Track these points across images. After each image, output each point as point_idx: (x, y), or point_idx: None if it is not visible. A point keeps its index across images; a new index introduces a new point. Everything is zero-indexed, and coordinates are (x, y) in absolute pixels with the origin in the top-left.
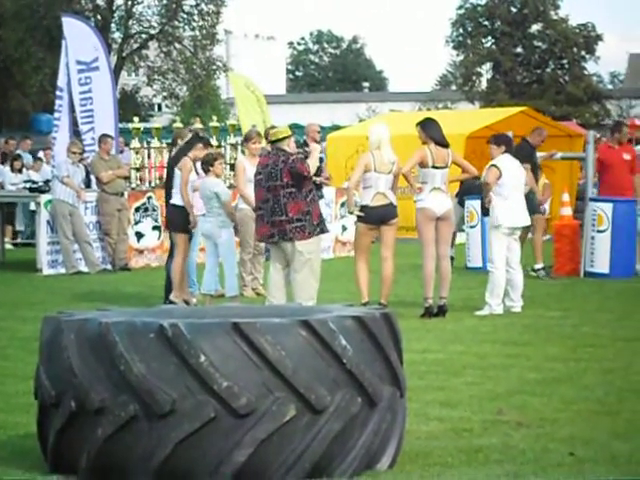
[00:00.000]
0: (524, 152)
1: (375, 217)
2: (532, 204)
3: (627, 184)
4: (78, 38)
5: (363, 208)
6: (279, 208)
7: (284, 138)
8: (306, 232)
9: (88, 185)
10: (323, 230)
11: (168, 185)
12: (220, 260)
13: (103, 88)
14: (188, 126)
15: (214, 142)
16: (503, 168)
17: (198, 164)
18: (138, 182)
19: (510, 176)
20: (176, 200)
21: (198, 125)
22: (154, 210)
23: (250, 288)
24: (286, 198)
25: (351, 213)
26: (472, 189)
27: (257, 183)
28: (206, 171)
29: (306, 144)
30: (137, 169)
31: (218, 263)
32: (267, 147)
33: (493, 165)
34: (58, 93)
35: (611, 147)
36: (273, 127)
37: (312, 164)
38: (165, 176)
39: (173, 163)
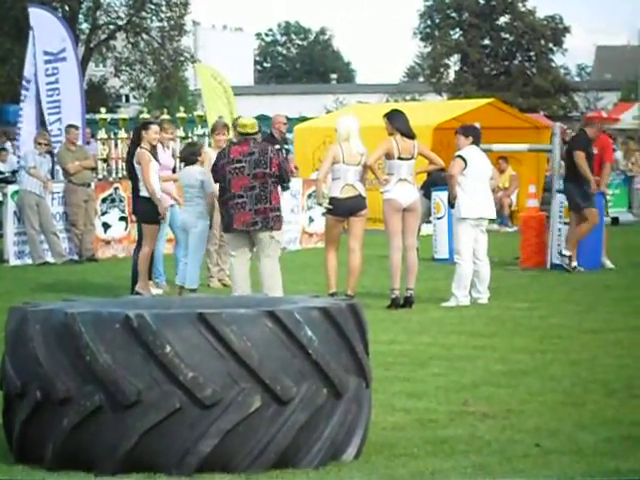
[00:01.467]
0: (581, 141)
1: (344, 209)
2: (586, 196)
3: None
4: (45, 29)
5: (332, 200)
6: (264, 196)
7: (256, 133)
8: (281, 222)
9: (54, 176)
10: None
11: (133, 177)
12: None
13: (70, 79)
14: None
15: (180, 133)
16: (469, 159)
17: (159, 151)
18: (105, 173)
19: (475, 167)
20: (143, 192)
21: (165, 116)
22: (121, 201)
23: (216, 279)
24: (272, 186)
25: (320, 205)
26: (438, 181)
27: (234, 171)
28: (192, 162)
29: (272, 136)
30: (104, 160)
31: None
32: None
33: (459, 156)
34: (24, 84)
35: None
36: (240, 118)
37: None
38: (127, 168)
39: (131, 157)
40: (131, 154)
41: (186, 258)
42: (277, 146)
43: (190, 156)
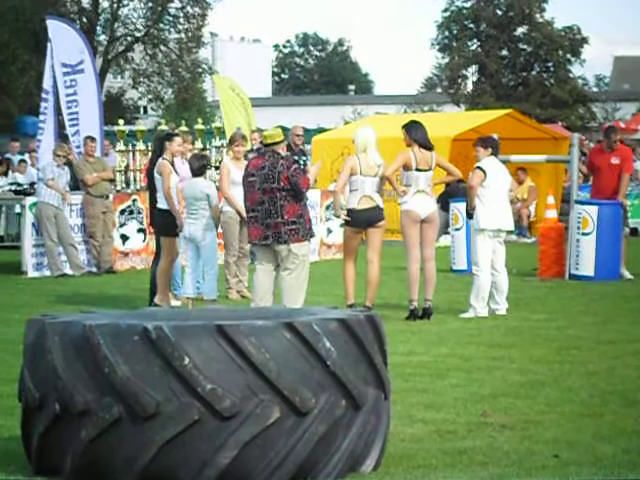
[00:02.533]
0: None
1: (361, 220)
2: None
3: (614, 188)
4: (63, 41)
5: (349, 211)
6: (275, 210)
7: (280, 142)
8: (300, 235)
9: (76, 188)
10: (312, 235)
11: (151, 189)
12: (201, 263)
13: (88, 91)
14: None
15: (199, 145)
16: (488, 171)
17: (177, 163)
18: (123, 185)
19: (495, 179)
20: (162, 204)
21: (183, 128)
22: (139, 213)
23: (235, 291)
24: (282, 200)
25: (338, 216)
26: (456, 192)
27: (249, 185)
28: (201, 174)
29: (290, 147)
30: (123, 171)
31: (200, 266)
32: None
33: (478, 167)
34: (43, 95)
35: (602, 150)
36: (259, 130)
37: (311, 178)
38: (147, 180)
39: (152, 167)
40: (152, 165)
41: (192, 269)
42: (295, 157)
43: (201, 168)
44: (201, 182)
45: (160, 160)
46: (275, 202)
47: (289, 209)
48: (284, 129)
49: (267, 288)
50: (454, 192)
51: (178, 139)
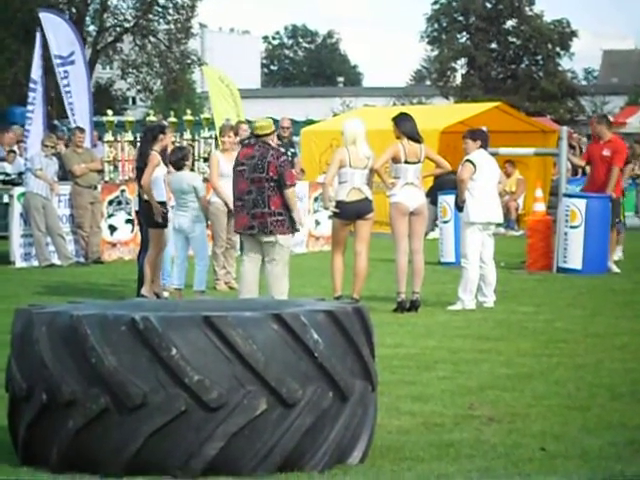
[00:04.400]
0: None
1: (351, 212)
2: None
3: (603, 180)
4: (56, 32)
5: (339, 203)
6: (262, 200)
7: (270, 133)
8: (285, 227)
9: (65, 178)
10: (297, 229)
11: (139, 180)
12: (191, 254)
13: (79, 81)
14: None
15: (188, 136)
16: (478, 163)
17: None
18: (111, 175)
19: (484, 172)
20: None
21: (172, 119)
22: (127, 203)
23: (223, 282)
24: (270, 191)
25: (326, 208)
26: (445, 184)
27: (238, 174)
28: (180, 167)
29: (279, 138)
30: (111, 162)
31: (188, 257)
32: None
33: (468, 160)
34: (32, 86)
35: (596, 142)
36: (248, 121)
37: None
38: (135, 171)
39: (139, 159)
40: (143, 156)
41: (180, 260)
42: (282, 149)
43: (179, 161)
44: (187, 175)
45: (152, 152)
46: (263, 192)
47: (276, 200)
48: (273, 120)
49: (254, 279)
50: (443, 184)
51: (170, 132)
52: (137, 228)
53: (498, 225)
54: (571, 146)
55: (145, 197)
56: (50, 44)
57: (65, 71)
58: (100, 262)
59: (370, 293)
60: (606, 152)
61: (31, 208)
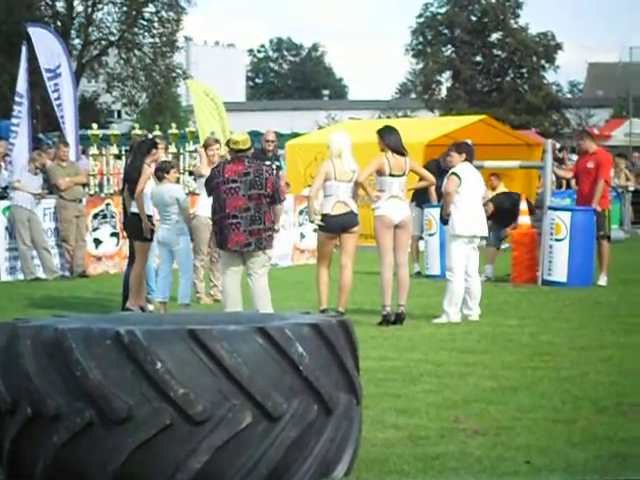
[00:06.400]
0: None
1: (336, 225)
2: None
3: (586, 193)
4: (43, 46)
5: (324, 217)
6: (259, 217)
7: (249, 148)
8: (272, 241)
9: (50, 192)
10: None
11: (126, 193)
12: (175, 267)
13: (65, 94)
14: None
15: (173, 150)
16: (463, 176)
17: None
18: (96, 189)
19: (469, 185)
20: (135, 208)
21: (157, 133)
22: (112, 217)
23: (206, 295)
24: (266, 207)
25: (312, 222)
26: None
27: (230, 191)
28: (161, 178)
29: (263, 152)
30: (96, 176)
31: (172, 270)
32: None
33: (453, 173)
34: (17, 99)
35: (583, 156)
36: (232, 134)
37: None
38: (122, 184)
39: (131, 171)
40: (134, 168)
41: (164, 273)
42: (268, 162)
43: (157, 172)
44: (169, 187)
45: (145, 165)
46: (260, 208)
47: (268, 215)
48: (258, 134)
49: (237, 293)
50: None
51: (155, 150)
52: (122, 242)
53: (483, 238)
54: (557, 159)
55: (132, 209)
56: (39, 58)
57: (55, 84)
58: (85, 276)
59: (355, 306)
60: (590, 164)
61: (16, 221)
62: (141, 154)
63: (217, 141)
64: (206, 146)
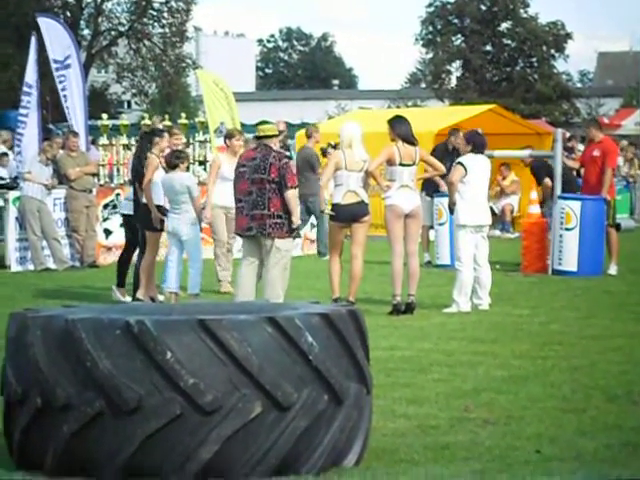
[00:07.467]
0: None
1: (346, 215)
2: None
3: (593, 181)
4: (52, 36)
5: (334, 206)
6: (262, 202)
7: (272, 136)
8: (284, 230)
9: (60, 182)
10: (298, 234)
11: (136, 183)
12: (185, 257)
13: (74, 85)
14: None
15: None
16: (469, 166)
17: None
18: (106, 179)
19: (475, 174)
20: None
21: (167, 122)
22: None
23: (226, 282)
24: (271, 193)
25: (322, 211)
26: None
27: (239, 175)
28: (174, 167)
29: None
30: (107, 166)
31: (182, 260)
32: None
33: (459, 163)
34: (26, 89)
35: (589, 145)
36: (263, 122)
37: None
38: (131, 174)
39: (139, 161)
40: (140, 159)
41: (174, 263)
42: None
43: (171, 160)
44: (179, 175)
45: (150, 155)
46: (264, 193)
47: (275, 202)
48: (267, 124)
49: (250, 283)
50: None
51: (167, 135)
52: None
53: (492, 227)
54: (566, 148)
55: (143, 200)
56: (48, 49)
57: (62, 75)
58: (95, 266)
59: (365, 296)
60: (596, 152)
61: (26, 212)
62: (145, 145)
63: (240, 132)
64: (231, 137)
